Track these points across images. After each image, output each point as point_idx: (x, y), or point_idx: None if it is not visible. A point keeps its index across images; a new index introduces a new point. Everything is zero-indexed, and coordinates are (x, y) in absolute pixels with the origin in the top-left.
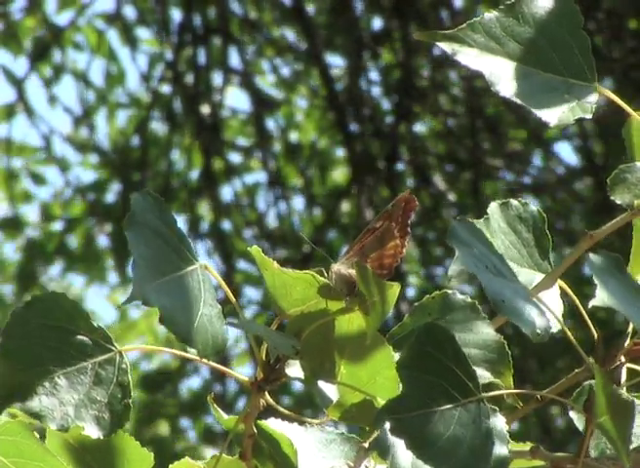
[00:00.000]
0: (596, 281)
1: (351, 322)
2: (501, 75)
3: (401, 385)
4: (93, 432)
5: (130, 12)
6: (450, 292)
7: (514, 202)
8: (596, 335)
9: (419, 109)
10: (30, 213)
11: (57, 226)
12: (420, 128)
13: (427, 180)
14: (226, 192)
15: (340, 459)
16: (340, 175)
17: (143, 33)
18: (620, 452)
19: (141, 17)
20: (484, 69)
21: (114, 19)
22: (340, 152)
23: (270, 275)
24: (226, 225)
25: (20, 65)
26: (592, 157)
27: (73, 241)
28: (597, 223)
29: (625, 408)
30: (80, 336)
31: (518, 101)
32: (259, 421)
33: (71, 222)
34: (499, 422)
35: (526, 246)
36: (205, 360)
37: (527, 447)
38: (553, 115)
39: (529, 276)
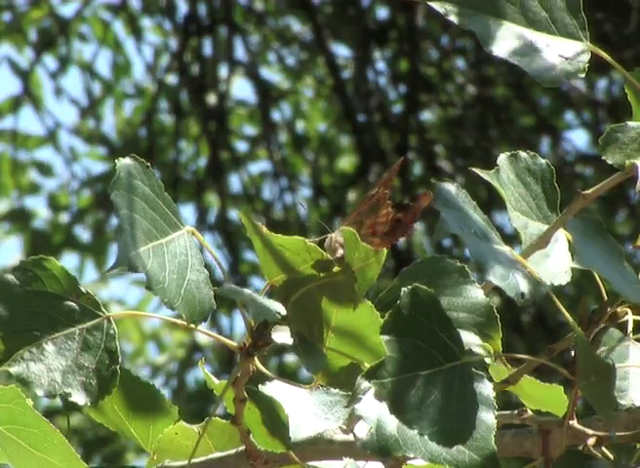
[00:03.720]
0: (575, 244)
1: (339, 287)
2: (493, 35)
3: (385, 349)
4: (80, 398)
5: (135, 2)
6: (439, 256)
7: (523, 154)
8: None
9: (426, 98)
10: (37, 204)
11: (64, 218)
12: (428, 117)
13: (436, 169)
14: (234, 182)
15: (344, 421)
16: (346, 163)
17: (149, 24)
18: (602, 413)
19: (147, 7)
20: (476, 29)
21: (119, 9)
22: (346, 141)
23: (259, 240)
24: (233, 215)
25: (25, 57)
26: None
27: (81, 232)
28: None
29: (606, 370)
30: (68, 302)
31: (510, 60)
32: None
33: (79, 214)
34: (485, 388)
35: (535, 198)
36: (193, 325)
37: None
38: (546, 74)
39: (538, 229)
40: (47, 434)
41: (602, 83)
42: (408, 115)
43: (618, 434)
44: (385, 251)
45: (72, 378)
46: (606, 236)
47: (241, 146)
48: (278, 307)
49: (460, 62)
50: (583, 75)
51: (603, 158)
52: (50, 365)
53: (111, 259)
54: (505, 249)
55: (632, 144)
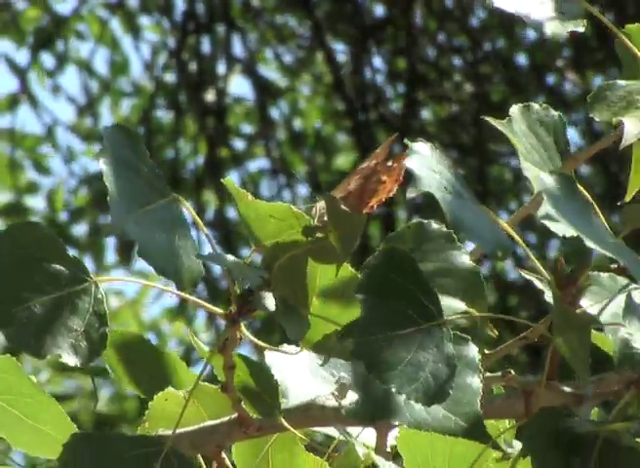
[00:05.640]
0: (546, 199)
1: (323, 252)
2: None
3: (360, 309)
4: (70, 360)
5: (132, 0)
6: (425, 221)
7: (535, 105)
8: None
9: (423, 96)
10: (35, 203)
11: (62, 216)
12: (425, 114)
13: None
14: (232, 179)
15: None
16: (344, 161)
17: (146, 22)
18: (578, 371)
19: (144, 5)
20: None
21: (117, 7)
22: (344, 138)
23: (245, 207)
24: (232, 213)
25: (22, 55)
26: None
27: (78, 230)
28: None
29: (581, 327)
30: (55, 266)
31: (509, 11)
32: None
33: (76, 212)
34: (469, 350)
35: (546, 150)
36: (182, 293)
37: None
38: (547, 27)
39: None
40: (42, 404)
41: (598, 80)
42: (405, 113)
43: (597, 392)
44: (365, 216)
45: (62, 340)
46: (577, 192)
47: (239, 144)
48: (261, 272)
49: (456, 60)
50: (583, 29)
51: (590, 115)
52: (39, 327)
53: (109, 255)
54: (480, 207)
55: (620, 102)
